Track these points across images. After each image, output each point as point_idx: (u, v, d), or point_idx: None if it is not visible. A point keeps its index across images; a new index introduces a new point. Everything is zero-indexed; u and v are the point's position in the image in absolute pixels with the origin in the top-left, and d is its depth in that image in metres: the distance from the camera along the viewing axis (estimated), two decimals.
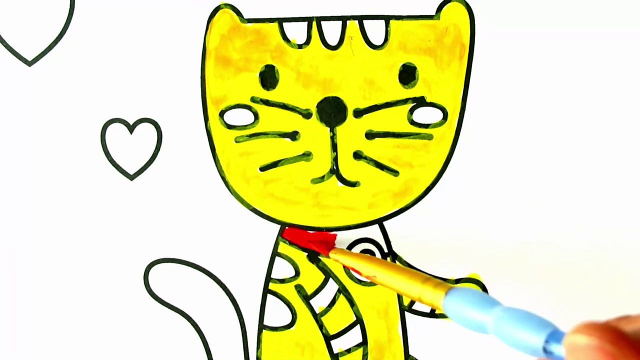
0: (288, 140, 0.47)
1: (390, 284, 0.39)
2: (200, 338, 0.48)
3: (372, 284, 0.47)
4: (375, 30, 0.46)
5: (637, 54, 0.47)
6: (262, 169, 0.47)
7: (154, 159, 0.47)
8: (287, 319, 0.48)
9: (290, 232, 0.46)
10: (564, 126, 0.47)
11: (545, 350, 0.28)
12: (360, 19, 0.46)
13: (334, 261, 0.45)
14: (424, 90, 0.46)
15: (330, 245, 0.46)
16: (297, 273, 0.47)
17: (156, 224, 0.47)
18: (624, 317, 0.28)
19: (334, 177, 0.47)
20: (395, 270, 0.39)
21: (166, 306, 0.48)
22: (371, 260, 0.42)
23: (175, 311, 0.48)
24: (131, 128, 0.47)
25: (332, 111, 0.46)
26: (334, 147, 0.46)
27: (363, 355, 0.48)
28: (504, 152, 0.47)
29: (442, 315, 0.48)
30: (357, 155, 0.47)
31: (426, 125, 0.47)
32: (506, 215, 0.47)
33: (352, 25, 0.46)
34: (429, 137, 0.47)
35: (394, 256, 0.47)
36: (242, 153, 0.47)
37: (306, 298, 0.47)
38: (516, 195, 0.47)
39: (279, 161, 0.47)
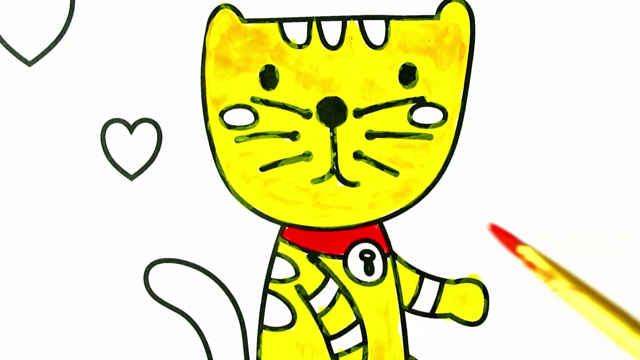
0: (288, 140, 0.47)
1: (586, 310, 0.32)
2: (200, 338, 0.48)
3: (372, 284, 0.47)
4: (375, 30, 0.46)
5: (637, 53, 0.47)
6: (262, 169, 0.47)
7: (154, 159, 0.47)
8: (287, 319, 0.48)
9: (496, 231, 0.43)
10: (565, 126, 0.47)
11: None
12: (360, 19, 0.46)
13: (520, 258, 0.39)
14: (424, 90, 0.46)
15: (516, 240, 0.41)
16: (297, 273, 0.47)
17: (156, 224, 0.47)
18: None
19: (334, 177, 0.47)
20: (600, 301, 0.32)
21: (166, 306, 0.48)
22: (569, 275, 0.35)
23: (175, 311, 0.48)
24: (131, 128, 0.47)
25: (332, 111, 0.46)
26: (334, 147, 0.46)
27: (363, 356, 0.48)
28: (504, 152, 0.47)
29: (442, 315, 0.48)
30: (357, 155, 0.46)
31: (426, 126, 0.47)
32: (506, 215, 0.47)
33: (352, 25, 0.46)
34: (429, 137, 0.47)
35: (394, 256, 0.47)
36: (242, 153, 0.47)
37: (306, 298, 0.47)
38: (516, 195, 0.47)
39: (279, 161, 0.47)
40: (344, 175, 0.47)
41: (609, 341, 0.35)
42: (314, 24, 0.46)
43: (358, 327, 0.48)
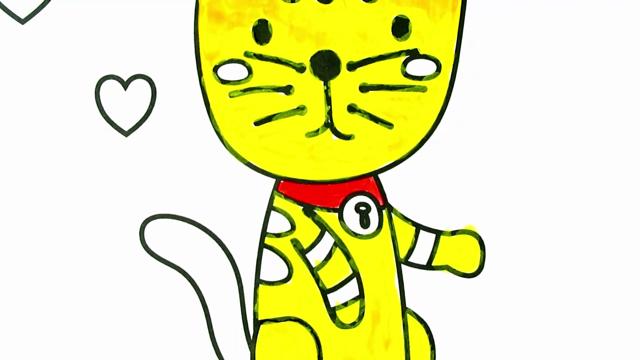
0: (282, 94, 0.47)
1: None
2: (197, 293, 0.47)
3: (368, 237, 0.47)
4: None
5: (628, 32, 0.47)
6: (257, 123, 0.47)
7: (149, 115, 0.47)
8: (284, 274, 0.47)
9: None
10: (558, 77, 0.47)
11: None
12: None
13: None
14: (417, 43, 0.46)
15: None
16: (293, 227, 0.47)
17: (151, 179, 0.47)
18: None
19: (328, 131, 0.47)
20: None
21: (162, 262, 0.48)
22: None
23: (172, 267, 0.47)
24: (125, 84, 0.47)
25: (325, 64, 0.46)
26: (328, 100, 0.46)
27: (360, 309, 0.47)
28: (497, 104, 0.47)
29: (439, 267, 0.48)
30: (352, 109, 0.46)
31: (420, 78, 0.47)
32: (501, 166, 0.47)
33: None
34: (423, 89, 0.47)
35: (390, 209, 0.47)
36: (237, 108, 0.47)
37: (302, 252, 0.47)
38: (510, 146, 0.47)
39: (274, 115, 0.47)
40: (339, 129, 0.47)
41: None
42: None
43: (354, 280, 0.47)
